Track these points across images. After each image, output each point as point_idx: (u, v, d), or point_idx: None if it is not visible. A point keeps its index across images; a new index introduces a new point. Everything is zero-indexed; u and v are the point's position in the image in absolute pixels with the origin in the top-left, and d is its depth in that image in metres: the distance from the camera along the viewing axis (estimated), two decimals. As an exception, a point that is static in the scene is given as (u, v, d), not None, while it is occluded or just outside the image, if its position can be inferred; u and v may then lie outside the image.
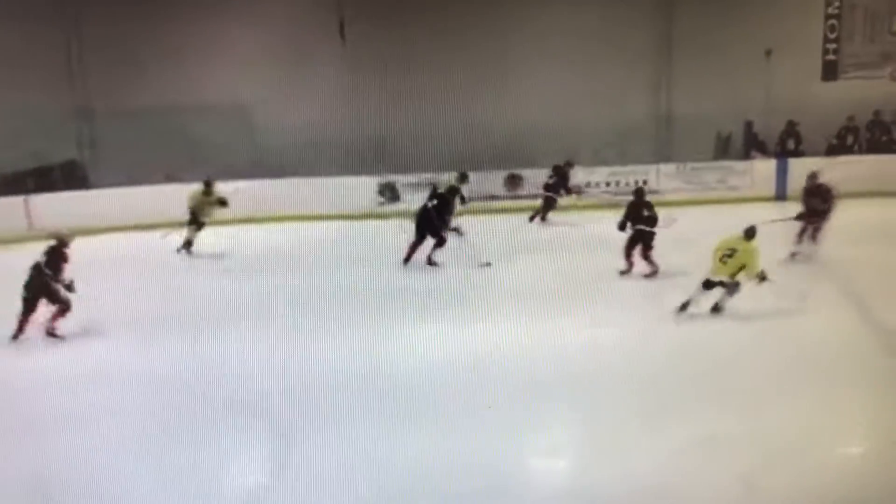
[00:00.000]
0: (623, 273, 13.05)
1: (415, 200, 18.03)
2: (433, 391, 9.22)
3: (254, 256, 15.20)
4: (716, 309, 11.09)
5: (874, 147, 19.28)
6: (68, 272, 11.02)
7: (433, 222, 14.01)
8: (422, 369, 9.79)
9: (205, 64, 18.64)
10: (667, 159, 18.65)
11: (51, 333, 10.97)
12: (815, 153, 18.70)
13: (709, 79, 18.74)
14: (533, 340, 10.37)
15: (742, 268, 10.82)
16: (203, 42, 18.74)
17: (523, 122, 18.09)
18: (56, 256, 11.06)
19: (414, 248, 14.02)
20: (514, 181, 18.42)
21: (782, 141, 19.27)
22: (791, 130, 19.24)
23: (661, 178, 18.29)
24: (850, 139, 19.33)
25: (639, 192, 13.57)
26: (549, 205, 17.16)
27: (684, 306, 11.08)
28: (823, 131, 19.22)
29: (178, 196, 15.73)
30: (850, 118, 19.36)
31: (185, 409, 8.92)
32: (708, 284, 10.96)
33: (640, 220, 12.93)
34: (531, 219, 17.06)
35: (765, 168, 18.54)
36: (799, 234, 13.62)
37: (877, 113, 19.51)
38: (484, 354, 10.10)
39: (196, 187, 15.37)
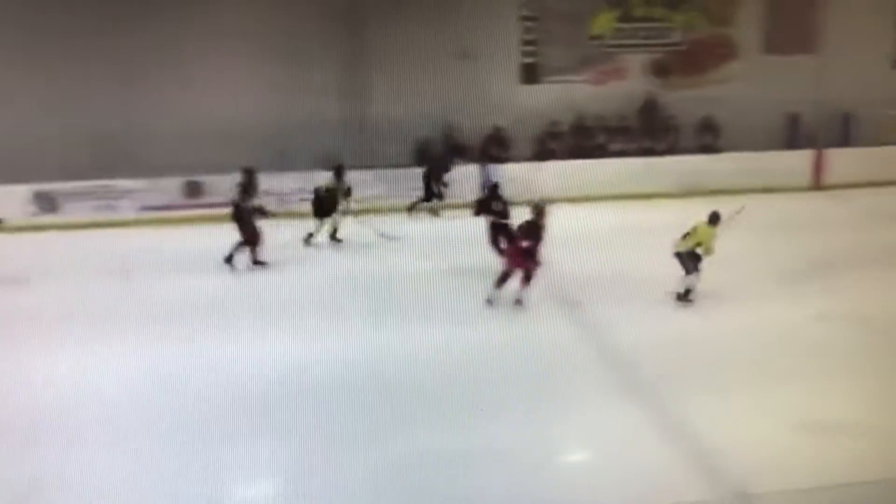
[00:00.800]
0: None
1: (74, 210, 16.20)
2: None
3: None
4: (685, 296, 11.92)
5: (578, 152, 18.91)
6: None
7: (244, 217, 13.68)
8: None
9: None
10: (364, 165, 17.37)
11: None
12: (519, 159, 18.19)
13: (405, 82, 17.62)
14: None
15: (698, 244, 11.78)
16: None
17: (202, 124, 16.45)
18: None
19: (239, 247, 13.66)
20: (193, 188, 16.60)
21: (486, 147, 18.50)
22: (497, 136, 18.57)
23: (359, 185, 17.09)
24: (553, 144, 18.85)
25: (494, 188, 14.19)
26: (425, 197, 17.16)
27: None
28: (527, 136, 18.76)
29: None
30: (554, 123, 18.99)
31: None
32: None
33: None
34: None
35: (468, 174, 17.65)
36: (499, 280, 11.82)
37: (580, 118, 19.24)
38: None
39: None
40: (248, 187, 13.82)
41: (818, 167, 19.18)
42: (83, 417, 8.71)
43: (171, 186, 16.44)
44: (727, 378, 9.49)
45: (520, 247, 11.67)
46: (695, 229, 11.86)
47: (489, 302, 11.64)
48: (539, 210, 11.87)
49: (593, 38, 19.45)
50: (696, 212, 12.02)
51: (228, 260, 13.53)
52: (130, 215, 16.42)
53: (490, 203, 13.79)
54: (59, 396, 9.17)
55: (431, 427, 8.55)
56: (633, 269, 12.62)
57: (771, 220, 15.75)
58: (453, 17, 17.96)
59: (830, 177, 19.00)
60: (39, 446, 8.19)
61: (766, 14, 19.90)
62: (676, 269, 11.94)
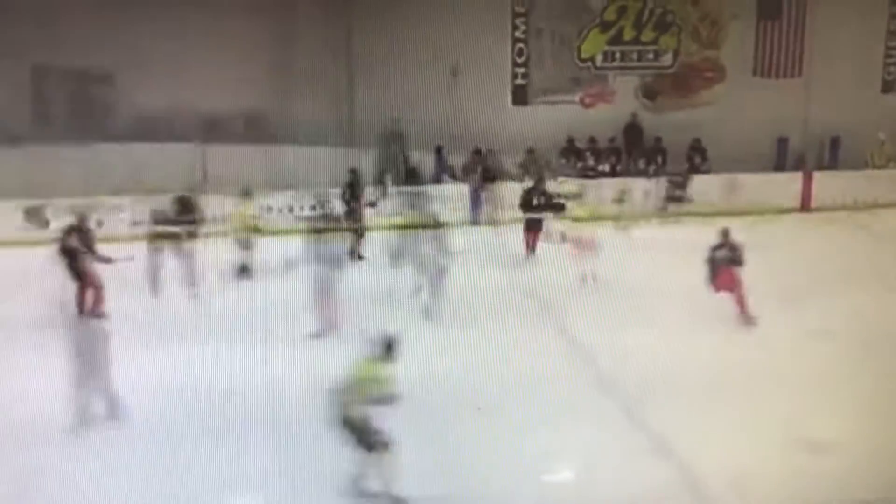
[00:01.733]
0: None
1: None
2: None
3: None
4: None
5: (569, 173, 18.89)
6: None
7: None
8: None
9: None
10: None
11: None
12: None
13: (395, 102, 17.66)
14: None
15: None
16: None
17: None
18: None
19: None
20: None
21: (477, 167, 18.45)
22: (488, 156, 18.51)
23: (349, 203, 17.10)
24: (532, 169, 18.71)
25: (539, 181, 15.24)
26: None
27: None
28: (516, 157, 18.77)
29: None
30: (530, 151, 18.83)
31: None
32: None
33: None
34: None
35: (457, 193, 17.70)
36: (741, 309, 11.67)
37: (570, 140, 19.25)
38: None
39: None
40: (355, 186, 14.88)
41: (807, 189, 19.25)
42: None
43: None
44: (719, 396, 9.39)
45: (729, 271, 11.55)
46: None
47: (749, 324, 11.50)
48: (725, 233, 11.79)
49: (584, 60, 19.55)
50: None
51: (353, 255, 14.18)
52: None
53: (531, 197, 14.65)
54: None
55: (413, 442, 8.26)
56: (629, 286, 12.57)
57: (762, 241, 15.77)
58: (446, 36, 17.93)
59: (819, 199, 19.07)
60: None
61: (755, 37, 20.03)
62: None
